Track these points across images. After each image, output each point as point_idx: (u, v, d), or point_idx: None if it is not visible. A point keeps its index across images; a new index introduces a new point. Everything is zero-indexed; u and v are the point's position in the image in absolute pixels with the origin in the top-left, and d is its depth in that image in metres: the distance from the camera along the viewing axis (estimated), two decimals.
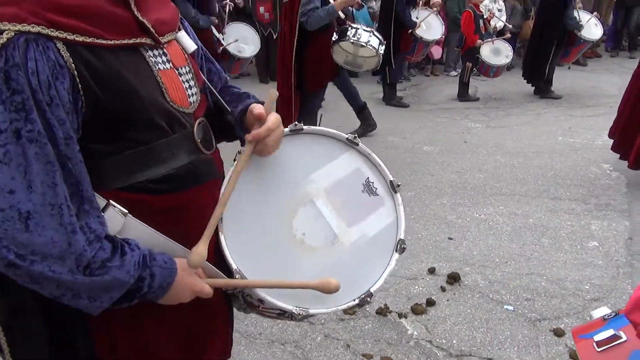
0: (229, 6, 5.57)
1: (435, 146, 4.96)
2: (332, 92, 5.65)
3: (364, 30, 3.72)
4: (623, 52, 8.67)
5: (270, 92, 1.01)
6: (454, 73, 7.46)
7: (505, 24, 7.08)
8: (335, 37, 3.76)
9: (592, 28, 6.36)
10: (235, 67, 5.48)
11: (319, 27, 3.59)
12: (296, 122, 1.10)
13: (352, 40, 3.69)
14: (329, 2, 3.66)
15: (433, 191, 3.96)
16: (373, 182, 1.15)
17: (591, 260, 2.98)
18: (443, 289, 2.69)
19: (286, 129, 1.07)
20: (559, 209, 3.65)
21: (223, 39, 5.06)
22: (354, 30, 3.70)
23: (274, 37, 6.87)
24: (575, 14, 6.10)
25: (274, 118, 1.00)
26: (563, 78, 7.04)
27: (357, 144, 1.15)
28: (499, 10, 7.25)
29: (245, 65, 5.79)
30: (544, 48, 6.35)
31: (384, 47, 3.85)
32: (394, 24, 5.83)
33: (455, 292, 2.68)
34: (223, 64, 5.68)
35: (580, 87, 6.98)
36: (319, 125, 4.20)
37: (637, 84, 4.08)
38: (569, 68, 7.60)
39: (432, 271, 2.85)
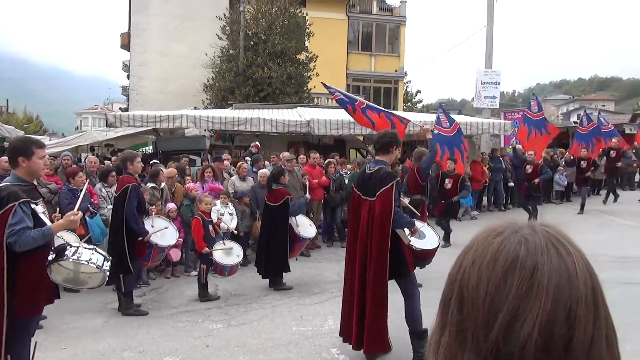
0: None
1: (176, 356, 4.72)
2: (55, 309, 5.04)
3: (85, 248, 3.58)
4: (336, 242, 10.33)
5: None
6: (194, 273, 7.58)
7: (236, 227, 7.81)
8: (52, 256, 3.49)
9: (307, 227, 7.61)
10: None
11: (31, 248, 3.29)
12: None
13: (72, 259, 3.48)
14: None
15: None
16: None
17: None
18: None
19: None
20: None
21: None
22: (73, 249, 3.52)
23: None
24: (293, 219, 7.19)
25: None
26: (292, 269, 7.85)
27: None
28: (230, 214, 8.00)
29: None
30: (273, 245, 7.13)
31: (109, 263, 3.73)
32: (126, 231, 5.81)
33: None
34: None
35: (307, 276, 7.86)
36: (33, 355, 3.61)
37: (347, 269, 4.82)
38: (297, 259, 8.59)
39: None
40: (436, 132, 9.92)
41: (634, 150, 17.37)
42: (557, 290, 0.67)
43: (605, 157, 14.34)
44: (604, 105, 58.19)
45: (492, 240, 0.73)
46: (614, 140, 14.60)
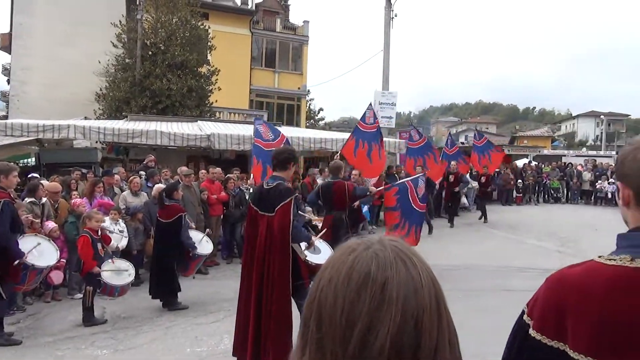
0: None
1: None
2: None
3: None
4: (236, 259, 10.13)
5: None
6: (78, 295, 6.99)
7: (127, 245, 7.37)
8: None
9: (204, 244, 7.39)
10: None
11: None
12: None
13: None
14: None
15: None
16: None
17: None
18: None
19: None
20: None
21: None
22: None
23: None
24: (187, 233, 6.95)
25: None
26: (189, 288, 7.55)
27: None
28: (121, 232, 7.53)
29: None
30: (166, 264, 6.81)
31: None
32: None
33: None
34: None
35: (204, 295, 7.60)
36: None
37: (242, 284, 4.72)
38: (194, 278, 8.28)
39: None
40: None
41: (507, 169, 19.03)
42: (405, 302, 0.71)
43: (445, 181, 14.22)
44: (487, 128, 63.79)
45: (347, 258, 0.76)
46: (452, 163, 14.23)
